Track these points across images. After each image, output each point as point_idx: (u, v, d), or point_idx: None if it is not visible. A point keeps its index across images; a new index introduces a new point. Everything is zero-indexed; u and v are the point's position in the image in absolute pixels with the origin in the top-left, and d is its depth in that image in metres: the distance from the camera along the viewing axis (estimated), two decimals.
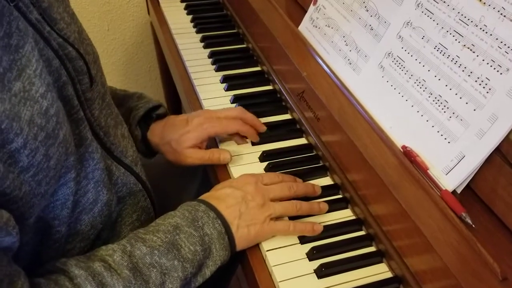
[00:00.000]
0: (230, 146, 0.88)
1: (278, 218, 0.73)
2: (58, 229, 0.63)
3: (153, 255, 0.63)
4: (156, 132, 0.87)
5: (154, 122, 0.89)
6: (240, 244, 0.70)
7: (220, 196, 0.72)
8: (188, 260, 0.65)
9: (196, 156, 0.84)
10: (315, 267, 0.68)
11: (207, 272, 0.67)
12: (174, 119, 0.88)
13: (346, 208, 0.77)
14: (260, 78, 1.05)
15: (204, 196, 0.74)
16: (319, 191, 0.78)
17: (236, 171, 0.83)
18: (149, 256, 0.63)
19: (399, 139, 0.72)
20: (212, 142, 0.89)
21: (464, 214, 0.61)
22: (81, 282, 0.58)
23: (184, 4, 1.32)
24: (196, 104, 0.99)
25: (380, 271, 0.69)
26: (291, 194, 0.75)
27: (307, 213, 0.74)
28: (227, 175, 0.83)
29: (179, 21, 1.25)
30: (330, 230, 0.73)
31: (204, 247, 0.66)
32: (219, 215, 0.69)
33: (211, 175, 0.88)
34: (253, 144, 0.88)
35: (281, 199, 0.74)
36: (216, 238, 0.67)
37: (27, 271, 0.56)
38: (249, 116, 0.89)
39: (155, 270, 0.62)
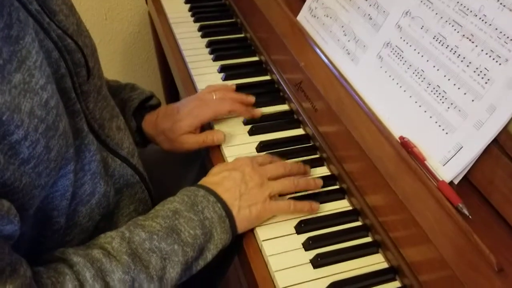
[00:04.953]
0: (226, 133, 0.87)
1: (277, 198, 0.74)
2: (57, 220, 0.63)
3: (152, 240, 0.63)
4: (150, 123, 0.89)
5: (148, 113, 0.90)
6: (241, 226, 0.70)
7: (219, 181, 0.73)
8: (189, 244, 0.65)
9: (192, 141, 0.86)
10: (311, 257, 0.68)
11: (209, 255, 0.68)
12: (166, 109, 0.89)
13: (343, 198, 0.77)
14: (258, 68, 1.04)
15: (202, 181, 0.74)
16: (309, 170, 0.79)
17: None
18: (148, 241, 0.63)
19: (397, 129, 0.72)
20: (207, 125, 0.90)
21: (460, 205, 0.61)
22: (79, 269, 0.58)
23: None
24: (193, 94, 0.98)
25: (376, 262, 0.69)
26: (286, 172, 0.76)
27: (304, 189, 0.76)
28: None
29: (177, 10, 1.24)
30: (327, 220, 0.73)
31: (205, 231, 0.67)
32: (219, 199, 0.70)
33: (208, 165, 0.87)
34: (251, 134, 0.88)
35: (278, 178, 0.75)
36: (217, 222, 0.68)
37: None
38: (234, 95, 0.90)
39: (155, 255, 0.62)
